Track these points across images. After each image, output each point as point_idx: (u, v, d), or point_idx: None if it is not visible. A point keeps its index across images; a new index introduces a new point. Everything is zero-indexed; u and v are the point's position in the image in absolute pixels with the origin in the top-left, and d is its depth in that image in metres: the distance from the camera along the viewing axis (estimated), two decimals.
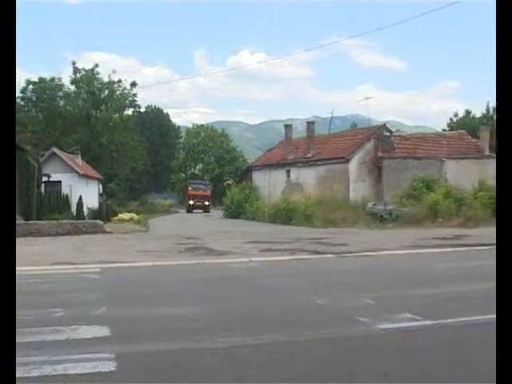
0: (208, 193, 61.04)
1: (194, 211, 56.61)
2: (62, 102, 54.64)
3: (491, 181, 32.19)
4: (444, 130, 49.93)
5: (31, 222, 22.56)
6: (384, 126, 37.36)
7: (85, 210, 33.82)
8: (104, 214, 33.85)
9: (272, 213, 31.27)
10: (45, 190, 30.48)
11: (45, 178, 30.90)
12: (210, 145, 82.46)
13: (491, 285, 8.87)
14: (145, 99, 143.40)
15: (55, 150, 37.90)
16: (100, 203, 39.19)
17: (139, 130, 65.70)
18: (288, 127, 43.56)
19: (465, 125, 48.71)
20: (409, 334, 5.84)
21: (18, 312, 6.85)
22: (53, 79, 54.58)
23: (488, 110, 55.19)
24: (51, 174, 32.45)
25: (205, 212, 55.32)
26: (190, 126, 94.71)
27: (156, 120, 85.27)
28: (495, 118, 42.12)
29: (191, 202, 58.60)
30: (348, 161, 33.25)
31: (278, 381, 4.35)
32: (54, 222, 22.34)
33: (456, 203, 26.09)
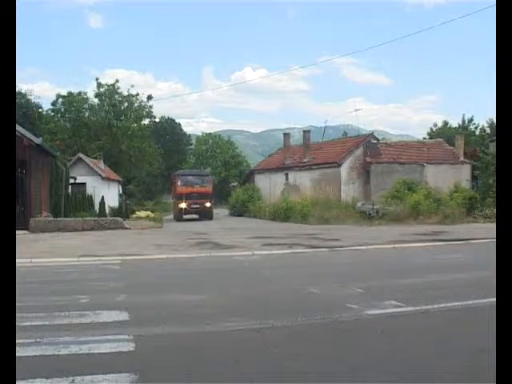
0: (208, 188, 35.64)
1: (188, 218, 34.03)
2: (87, 114, 54.61)
3: (465, 183, 32.24)
4: (424, 139, 49.62)
5: (60, 218, 22.54)
6: (371, 135, 37.25)
7: (107, 208, 33.77)
8: (123, 212, 33.77)
9: (272, 211, 31.20)
10: (71, 191, 30.49)
11: (71, 180, 30.91)
12: (217, 151, 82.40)
13: (466, 275, 8.90)
14: (159, 110, 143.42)
15: (81, 155, 37.88)
16: (120, 202, 39.07)
17: (155, 137, 65.43)
18: (286, 135, 43.45)
19: (442, 134, 48.49)
20: (393, 318, 5.83)
21: (49, 298, 6.91)
22: (79, 93, 54.59)
23: (463, 120, 54.87)
24: (77, 177, 32.46)
25: (205, 218, 33.55)
26: (200, 134, 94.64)
27: (169, 129, 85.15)
28: (495, 120, 41.60)
29: (183, 206, 34.01)
30: (340, 165, 33.16)
31: (273, 360, 4.34)
32: (80, 218, 22.33)
33: (435, 203, 26.03)
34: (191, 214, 34.64)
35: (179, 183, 35.52)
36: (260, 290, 7.92)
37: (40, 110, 57.79)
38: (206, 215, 34.32)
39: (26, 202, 20.57)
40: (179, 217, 33.99)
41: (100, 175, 36.76)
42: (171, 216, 37.96)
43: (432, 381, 3.88)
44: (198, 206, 34.29)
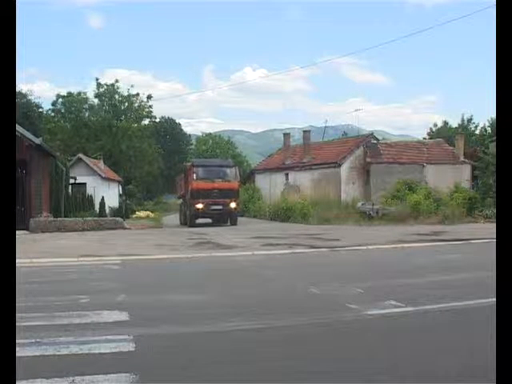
0: (233, 183, 26.75)
1: (202, 222, 26.63)
2: (87, 114, 54.72)
3: (465, 183, 32.24)
4: (424, 139, 49.62)
5: (60, 219, 22.56)
6: (372, 135, 37.26)
7: (107, 208, 33.82)
8: (123, 212, 33.84)
9: (272, 211, 31.20)
10: (72, 191, 30.50)
11: (72, 181, 30.92)
12: (217, 151, 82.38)
13: (466, 275, 8.90)
14: (160, 110, 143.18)
15: (81, 155, 37.93)
16: (120, 203, 39.16)
17: (155, 137, 65.51)
18: (286, 135, 43.47)
19: (442, 134, 48.54)
20: (393, 318, 5.82)
21: (49, 298, 6.91)
22: (79, 93, 54.71)
23: (463, 120, 55.00)
24: (77, 177, 32.45)
25: (225, 223, 26.67)
26: (200, 134, 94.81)
27: (169, 129, 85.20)
28: (496, 116, 41.47)
29: (200, 207, 25.60)
30: (340, 165, 33.16)
31: (273, 360, 4.34)
32: (80, 219, 22.33)
33: (435, 203, 26.07)
34: (208, 217, 26.97)
35: (195, 176, 26.09)
36: (260, 290, 7.92)
37: (40, 110, 57.81)
38: (227, 219, 26.62)
39: (25, 202, 20.57)
40: (192, 221, 26.00)
41: (100, 175, 36.80)
42: (172, 217, 37.06)
43: (432, 381, 3.88)
44: (219, 206, 25.83)
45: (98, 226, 21.31)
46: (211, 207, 25.74)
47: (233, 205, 26.09)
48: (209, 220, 27.39)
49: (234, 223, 26.35)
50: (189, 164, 29.37)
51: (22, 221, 19.11)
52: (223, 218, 26.85)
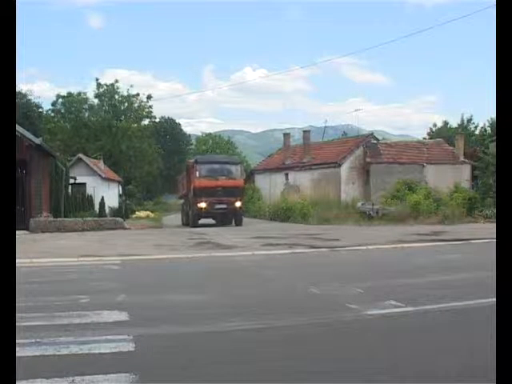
0: (239, 181, 25.90)
1: (205, 223, 25.51)
2: (86, 114, 54.74)
3: (465, 183, 32.25)
4: (424, 139, 49.54)
5: (59, 219, 22.55)
6: (371, 135, 37.26)
7: (106, 208, 33.80)
8: (123, 212, 33.82)
9: (272, 211, 31.21)
10: (71, 191, 30.49)
11: (71, 181, 30.91)
12: (217, 151, 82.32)
13: (467, 275, 8.91)
14: (159, 111, 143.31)
15: (81, 155, 37.94)
16: (120, 203, 39.14)
17: (155, 137, 65.42)
18: (286, 135, 43.45)
19: (442, 134, 48.51)
20: (393, 318, 5.82)
21: (49, 298, 6.91)
22: (79, 94, 54.72)
23: (463, 120, 54.94)
24: (77, 177, 32.44)
25: (229, 223, 25.78)
26: (200, 134, 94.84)
27: (169, 129, 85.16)
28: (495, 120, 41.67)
29: (203, 206, 24.54)
30: (340, 165, 33.15)
31: (273, 360, 4.34)
32: (80, 219, 22.32)
33: (435, 203, 26.09)
34: (211, 217, 25.78)
35: (198, 174, 24.81)
36: (260, 290, 7.91)
37: (40, 110, 57.79)
38: (232, 219, 25.51)
39: (25, 202, 20.56)
40: (195, 221, 24.86)
41: (100, 175, 36.80)
42: (172, 217, 36.91)
43: (432, 381, 3.89)
44: (224, 205, 24.66)
45: (98, 226, 21.29)
46: (215, 206, 24.57)
47: (238, 204, 24.95)
48: (212, 220, 26.21)
49: (239, 223, 25.22)
50: (191, 161, 27.75)
51: (22, 221, 19.10)
52: (227, 218, 25.78)
